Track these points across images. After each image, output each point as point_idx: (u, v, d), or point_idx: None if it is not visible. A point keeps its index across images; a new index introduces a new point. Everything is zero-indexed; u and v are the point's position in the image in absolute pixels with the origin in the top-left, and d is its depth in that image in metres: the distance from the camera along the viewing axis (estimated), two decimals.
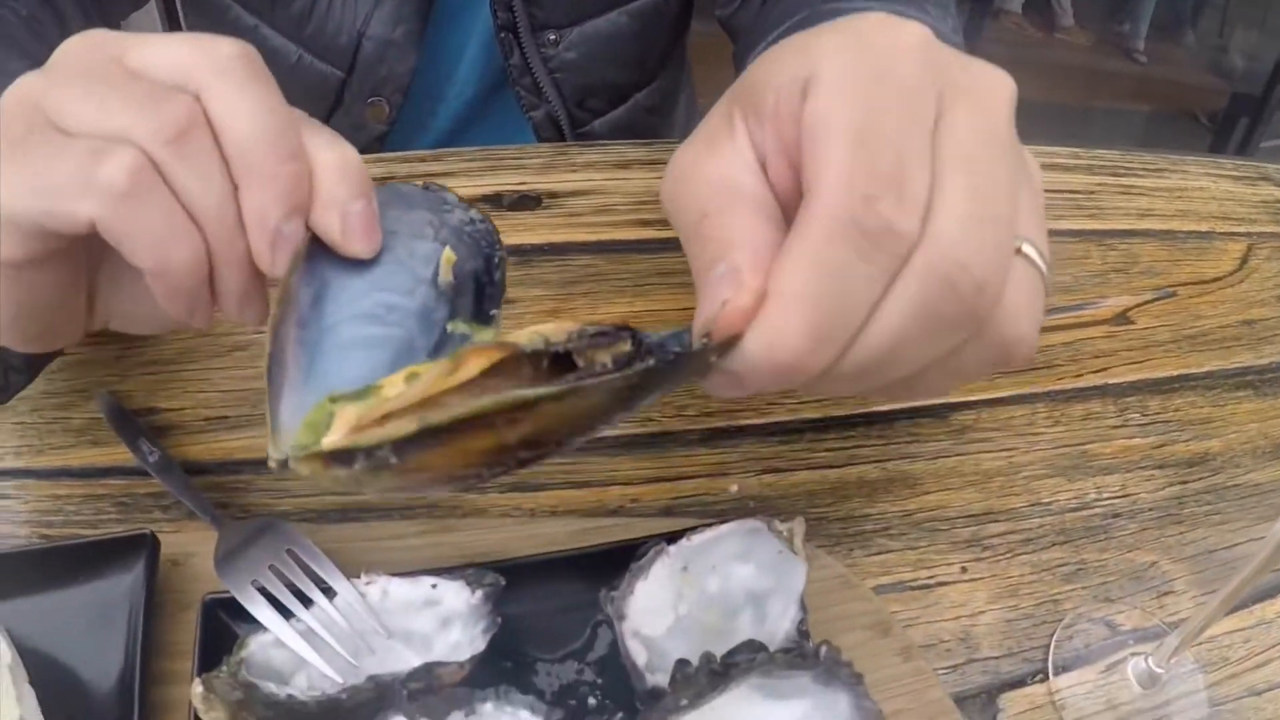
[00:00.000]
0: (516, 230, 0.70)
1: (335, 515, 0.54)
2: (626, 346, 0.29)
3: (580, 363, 0.29)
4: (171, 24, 1.20)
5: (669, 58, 0.92)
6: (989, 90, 0.31)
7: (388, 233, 0.37)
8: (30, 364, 0.50)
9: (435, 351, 0.37)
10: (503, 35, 0.79)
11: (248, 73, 0.34)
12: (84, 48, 0.35)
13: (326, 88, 0.80)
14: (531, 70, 0.81)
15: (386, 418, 0.28)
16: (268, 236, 0.34)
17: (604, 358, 0.29)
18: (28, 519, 0.53)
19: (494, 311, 0.38)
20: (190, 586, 0.49)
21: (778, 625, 0.46)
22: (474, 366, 0.28)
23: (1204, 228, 0.82)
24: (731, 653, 0.42)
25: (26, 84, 0.34)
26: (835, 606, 0.51)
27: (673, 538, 0.48)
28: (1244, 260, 0.80)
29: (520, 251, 0.69)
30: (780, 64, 0.32)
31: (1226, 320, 0.74)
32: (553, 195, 0.73)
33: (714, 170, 0.32)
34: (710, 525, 0.49)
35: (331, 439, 0.29)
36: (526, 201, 0.72)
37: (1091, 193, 0.83)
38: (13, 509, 0.53)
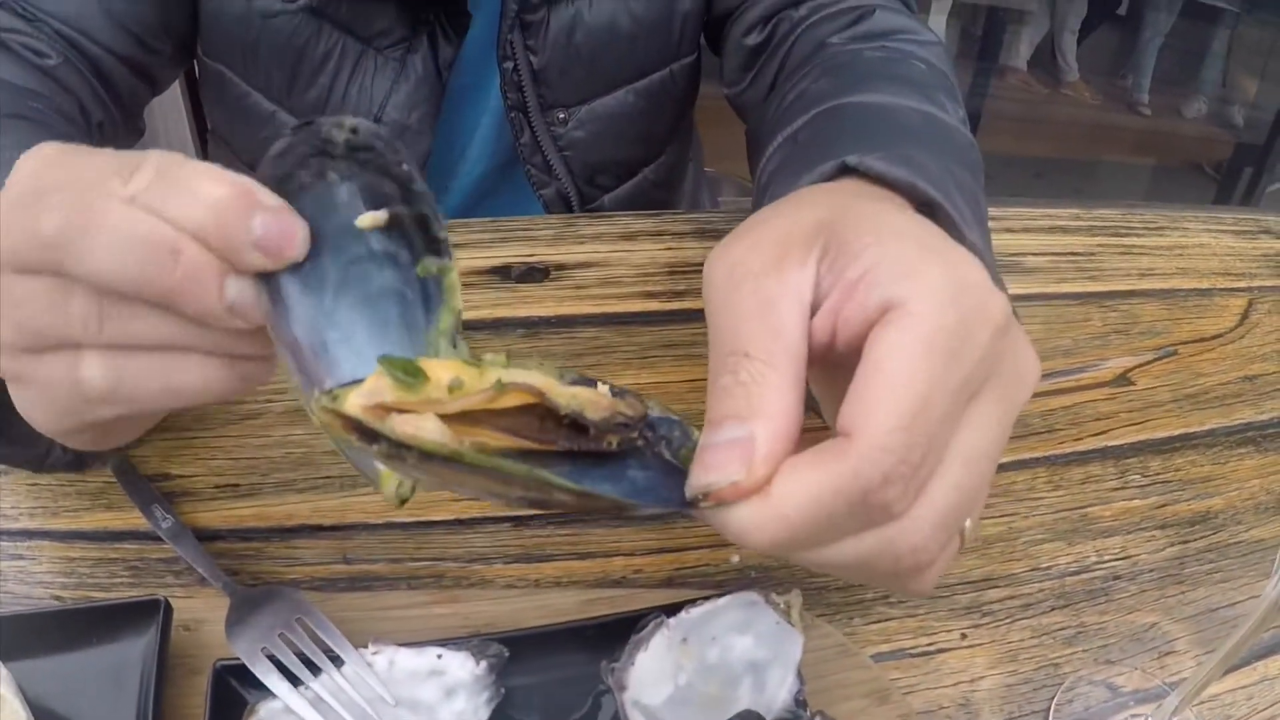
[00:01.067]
0: (525, 303, 0.72)
1: (344, 584, 0.55)
2: (634, 435, 0.32)
3: (592, 431, 0.31)
4: (196, 110, 1.23)
5: (676, 132, 0.93)
6: (1019, 382, 0.34)
7: (301, 204, 0.34)
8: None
9: (427, 303, 0.36)
10: (513, 115, 0.80)
11: (79, 230, 0.32)
12: None
13: None
14: (541, 149, 0.82)
15: (410, 410, 0.30)
16: (228, 319, 0.33)
17: (613, 439, 0.32)
18: (41, 580, 0.54)
19: (441, 235, 0.36)
20: (201, 652, 0.50)
21: (776, 695, 0.47)
22: (513, 400, 0.31)
23: (1204, 285, 0.83)
24: None
25: None
26: (834, 675, 0.51)
27: (672, 610, 0.49)
28: (1244, 315, 0.80)
29: (528, 324, 0.70)
30: (881, 241, 0.33)
31: (1227, 377, 0.75)
32: (560, 267, 0.74)
33: (771, 295, 0.33)
34: (709, 598, 0.49)
35: (355, 402, 0.30)
36: (534, 274, 0.74)
37: (1092, 254, 0.84)
38: (28, 570, 0.54)
